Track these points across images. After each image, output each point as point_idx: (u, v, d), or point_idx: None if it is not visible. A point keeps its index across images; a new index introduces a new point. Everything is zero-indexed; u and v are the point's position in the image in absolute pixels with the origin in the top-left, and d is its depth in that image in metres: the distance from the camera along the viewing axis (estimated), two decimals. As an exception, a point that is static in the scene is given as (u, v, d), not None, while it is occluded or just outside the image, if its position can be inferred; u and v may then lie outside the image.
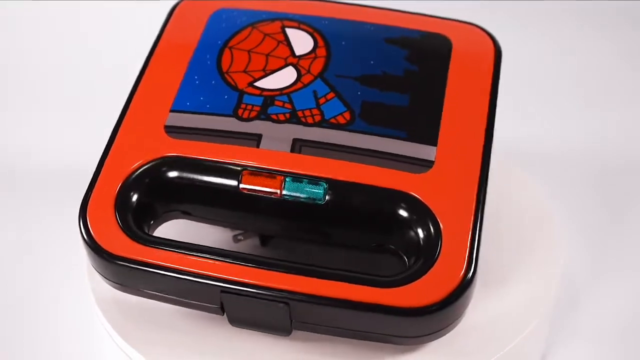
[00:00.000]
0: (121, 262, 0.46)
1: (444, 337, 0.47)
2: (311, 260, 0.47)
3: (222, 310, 0.47)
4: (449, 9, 0.68)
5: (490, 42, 0.55)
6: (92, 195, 0.48)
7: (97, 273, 0.49)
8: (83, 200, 0.48)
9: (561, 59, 0.84)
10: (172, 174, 0.49)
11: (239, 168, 0.48)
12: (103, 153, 0.50)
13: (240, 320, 0.47)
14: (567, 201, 0.69)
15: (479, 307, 0.52)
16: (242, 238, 0.54)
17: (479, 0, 0.87)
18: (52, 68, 0.82)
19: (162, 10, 0.58)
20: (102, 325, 0.52)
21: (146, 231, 0.48)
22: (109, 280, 0.48)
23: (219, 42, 0.54)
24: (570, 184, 0.71)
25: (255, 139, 0.49)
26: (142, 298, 0.50)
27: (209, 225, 0.52)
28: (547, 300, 0.53)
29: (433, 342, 0.47)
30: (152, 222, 0.49)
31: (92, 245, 0.47)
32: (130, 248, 0.46)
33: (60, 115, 0.78)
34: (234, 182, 0.48)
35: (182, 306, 0.48)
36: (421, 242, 0.46)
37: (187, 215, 0.50)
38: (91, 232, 0.47)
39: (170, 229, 0.53)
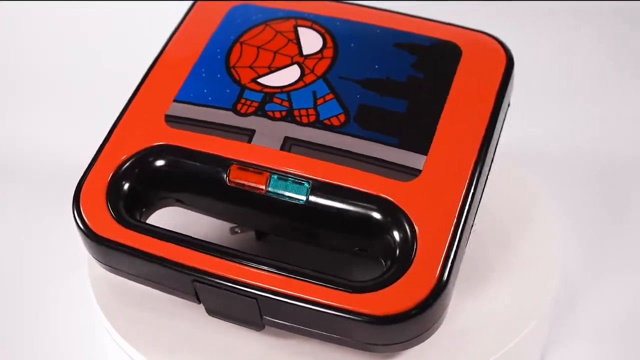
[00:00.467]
0: (105, 244, 0.47)
1: (443, 337, 0.47)
2: (301, 259, 0.48)
3: (197, 299, 0.47)
4: (449, 9, 0.68)
5: (503, 53, 0.53)
6: (87, 178, 0.49)
7: (91, 257, 0.50)
8: (79, 181, 0.49)
9: (561, 59, 0.84)
10: (159, 162, 0.50)
11: (227, 162, 0.49)
12: (103, 140, 0.51)
13: (214, 311, 0.48)
14: (567, 201, 0.69)
15: (478, 307, 0.52)
16: (239, 231, 0.55)
17: (479, 1, 0.87)
18: (52, 68, 0.82)
19: (163, 10, 0.58)
20: (103, 325, 0.52)
21: (138, 217, 0.49)
22: (98, 261, 0.49)
23: (232, 37, 0.55)
24: (569, 184, 0.71)
25: (248, 134, 0.50)
26: (143, 298, 0.51)
27: (207, 217, 0.53)
28: (547, 300, 0.53)
29: (432, 342, 0.46)
30: (144, 208, 0.50)
31: (82, 225, 0.48)
32: (116, 231, 0.47)
33: (60, 115, 0.78)
34: (222, 175, 0.49)
35: (166, 292, 0.48)
36: (397, 247, 0.46)
37: (180, 203, 0.51)
38: (82, 213, 0.48)
39: (169, 219, 0.54)
